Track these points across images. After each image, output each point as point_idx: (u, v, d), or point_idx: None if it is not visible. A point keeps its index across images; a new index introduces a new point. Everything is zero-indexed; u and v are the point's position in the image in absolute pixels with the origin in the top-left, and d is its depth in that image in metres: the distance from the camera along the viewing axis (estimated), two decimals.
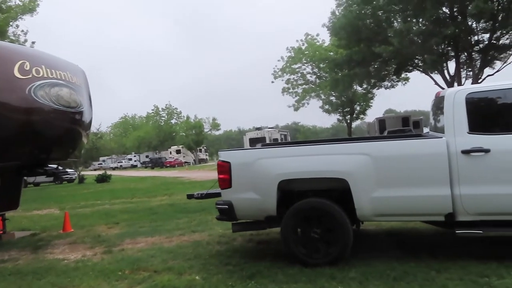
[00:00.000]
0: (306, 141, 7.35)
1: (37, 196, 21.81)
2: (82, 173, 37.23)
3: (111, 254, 6.79)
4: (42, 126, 7.19)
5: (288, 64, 46.56)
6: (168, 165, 62.74)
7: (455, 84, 24.17)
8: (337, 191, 5.27)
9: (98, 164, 77.08)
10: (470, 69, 25.19)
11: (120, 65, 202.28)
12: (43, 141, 7.44)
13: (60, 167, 10.85)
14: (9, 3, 25.14)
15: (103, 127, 78.78)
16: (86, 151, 37.12)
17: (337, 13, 28.72)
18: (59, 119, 7.38)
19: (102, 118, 44.89)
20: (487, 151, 4.75)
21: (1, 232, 9.10)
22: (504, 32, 23.06)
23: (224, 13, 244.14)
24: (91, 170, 65.39)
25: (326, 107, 46.02)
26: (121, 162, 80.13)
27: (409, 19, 23.64)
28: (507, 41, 23.65)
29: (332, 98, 45.56)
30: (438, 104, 5.66)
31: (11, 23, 24.79)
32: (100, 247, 7.41)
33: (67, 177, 35.95)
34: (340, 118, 47.71)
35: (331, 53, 37.97)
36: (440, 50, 24.52)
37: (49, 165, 8.67)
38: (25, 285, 5.40)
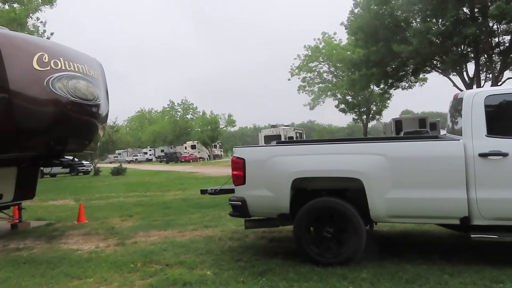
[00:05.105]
0: (321, 140, 7.31)
1: (53, 187, 22.14)
2: (98, 165, 37.73)
3: (124, 246, 6.86)
4: (59, 118, 7.25)
5: (305, 63, 46.45)
6: (183, 160, 63.12)
7: (474, 86, 23.79)
8: (351, 191, 5.24)
9: (114, 157, 77.91)
10: (489, 72, 24.76)
11: (137, 59, 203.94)
12: (59, 132, 7.51)
13: (76, 159, 10.94)
14: None
15: (120, 121, 79.95)
16: (102, 143, 37.56)
17: (355, 12, 28.46)
18: (76, 111, 7.44)
19: (118, 111, 45.58)
20: (505, 155, 4.66)
21: (17, 221, 9.31)
22: None
23: (241, 10, 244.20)
24: (107, 162, 66.18)
25: (342, 106, 45.75)
26: (137, 155, 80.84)
27: (428, 19, 23.31)
28: None
29: (348, 97, 45.33)
30: (456, 106, 5.56)
31: (30, 15, 25.08)
32: (113, 239, 7.49)
33: (83, 169, 36.42)
34: (356, 117, 47.46)
35: (349, 52, 37.68)
36: (460, 51, 24.13)
37: (65, 157, 8.77)
38: (39, 274, 5.48)
